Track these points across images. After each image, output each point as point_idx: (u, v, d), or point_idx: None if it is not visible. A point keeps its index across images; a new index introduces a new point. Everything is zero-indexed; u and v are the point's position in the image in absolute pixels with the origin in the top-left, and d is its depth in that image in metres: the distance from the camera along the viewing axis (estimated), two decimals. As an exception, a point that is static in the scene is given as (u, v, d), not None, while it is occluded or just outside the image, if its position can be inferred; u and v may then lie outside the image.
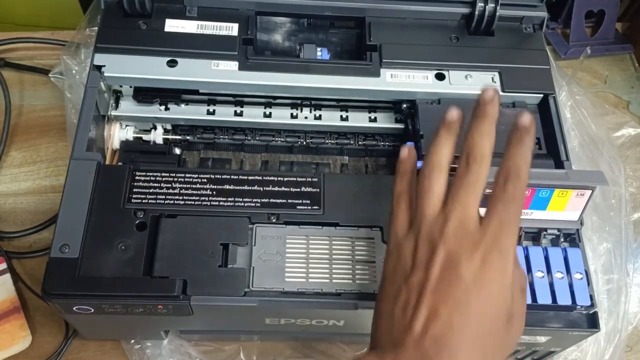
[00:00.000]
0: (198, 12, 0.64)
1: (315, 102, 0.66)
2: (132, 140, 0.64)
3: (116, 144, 0.63)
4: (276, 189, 0.55)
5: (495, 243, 0.39)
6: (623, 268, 0.68)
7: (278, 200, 0.55)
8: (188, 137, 0.65)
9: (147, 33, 0.62)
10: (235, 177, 0.56)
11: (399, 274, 0.41)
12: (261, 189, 0.55)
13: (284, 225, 0.54)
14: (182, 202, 0.54)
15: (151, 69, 0.60)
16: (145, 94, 0.63)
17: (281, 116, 0.65)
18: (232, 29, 0.64)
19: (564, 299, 0.52)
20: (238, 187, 0.55)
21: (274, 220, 0.54)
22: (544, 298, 0.51)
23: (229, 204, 0.54)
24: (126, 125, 0.64)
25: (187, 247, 0.52)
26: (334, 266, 0.53)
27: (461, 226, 0.40)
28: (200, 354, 0.62)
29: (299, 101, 0.65)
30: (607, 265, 0.68)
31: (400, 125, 0.65)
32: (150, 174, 0.55)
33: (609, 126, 0.78)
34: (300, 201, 0.55)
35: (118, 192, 0.54)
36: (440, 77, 0.63)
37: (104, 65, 0.60)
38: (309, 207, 0.55)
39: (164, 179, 0.55)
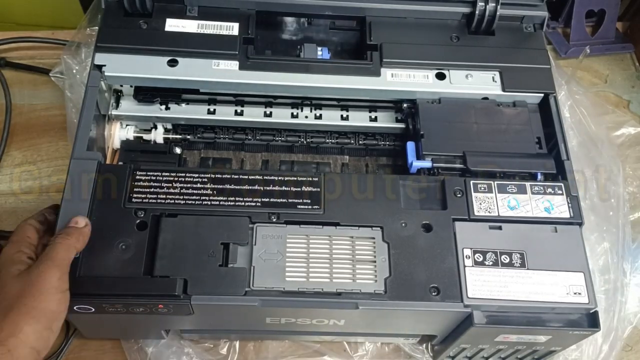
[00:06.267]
0: (198, 12, 0.64)
1: (315, 102, 0.66)
2: (132, 140, 0.64)
3: (117, 144, 0.63)
4: (277, 188, 0.55)
5: None
6: (621, 268, 0.67)
7: (278, 200, 0.55)
8: (188, 137, 0.65)
9: (147, 32, 0.63)
10: (236, 176, 0.56)
11: None
12: (262, 188, 0.55)
13: (285, 225, 0.54)
14: (182, 202, 0.54)
15: (152, 68, 0.60)
16: (145, 93, 0.63)
17: (282, 116, 0.65)
18: (232, 28, 0.64)
19: None
20: (238, 187, 0.55)
21: (274, 220, 0.54)
22: None
23: (229, 203, 0.54)
24: (127, 125, 0.64)
25: (188, 246, 0.52)
26: (334, 266, 0.53)
27: None
28: (200, 353, 0.62)
29: (299, 101, 0.65)
30: (606, 265, 0.68)
31: (400, 125, 0.65)
32: (151, 173, 0.55)
33: (609, 125, 0.78)
34: (301, 201, 0.55)
35: (119, 192, 0.54)
36: (440, 76, 0.63)
37: (105, 65, 0.60)
38: (310, 207, 0.55)
39: (164, 178, 0.55)
